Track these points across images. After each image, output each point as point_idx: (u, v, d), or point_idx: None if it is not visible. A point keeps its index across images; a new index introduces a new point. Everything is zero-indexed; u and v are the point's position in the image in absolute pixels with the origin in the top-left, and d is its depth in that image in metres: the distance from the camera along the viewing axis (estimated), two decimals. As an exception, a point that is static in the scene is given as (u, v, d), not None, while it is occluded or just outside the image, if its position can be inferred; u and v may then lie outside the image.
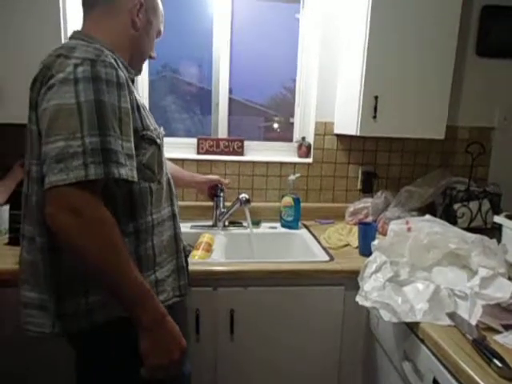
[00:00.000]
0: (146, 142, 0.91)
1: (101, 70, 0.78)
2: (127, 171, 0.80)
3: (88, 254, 0.74)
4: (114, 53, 0.87)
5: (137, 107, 0.88)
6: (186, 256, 1.08)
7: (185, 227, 1.68)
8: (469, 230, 1.19)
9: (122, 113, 0.80)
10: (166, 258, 0.98)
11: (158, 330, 0.80)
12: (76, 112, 0.75)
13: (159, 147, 0.96)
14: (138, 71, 1.05)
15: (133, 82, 0.96)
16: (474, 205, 1.65)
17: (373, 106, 1.53)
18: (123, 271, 0.76)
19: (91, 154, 0.74)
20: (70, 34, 0.93)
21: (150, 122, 0.95)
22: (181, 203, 1.80)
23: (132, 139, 0.84)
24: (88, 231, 0.73)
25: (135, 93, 0.91)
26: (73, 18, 1.42)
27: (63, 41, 1.39)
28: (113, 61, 0.82)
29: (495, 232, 1.37)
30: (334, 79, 1.82)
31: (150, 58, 1.07)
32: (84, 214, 0.73)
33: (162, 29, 1.06)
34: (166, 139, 1.84)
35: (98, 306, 0.84)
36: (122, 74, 0.83)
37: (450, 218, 1.61)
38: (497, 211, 1.60)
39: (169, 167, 1.16)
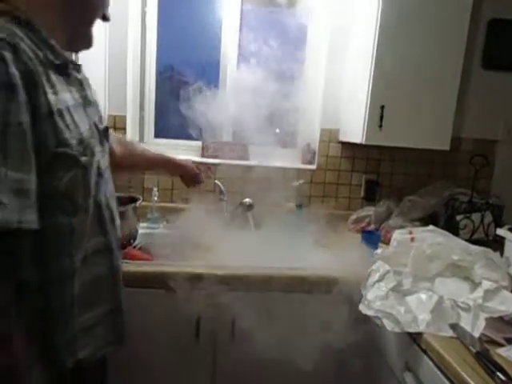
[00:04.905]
0: (63, 163, 0.65)
1: None
2: (8, 215, 0.55)
3: None
4: (27, 23, 0.63)
5: (49, 113, 0.63)
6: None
7: (188, 230, 1.70)
8: (470, 241, 1.19)
9: (8, 127, 0.56)
10: (91, 303, 0.75)
11: None
12: None
13: (85, 168, 0.69)
14: (85, 43, 0.75)
15: (66, 66, 0.70)
16: (476, 217, 1.65)
17: (379, 116, 1.53)
18: None
19: None
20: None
21: (78, 129, 0.69)
22: (183, 206, 1.83)
23: (28, 165, 0.59)
24: None
25: (59, 88, 0.66)
26: None
27: None
28: (6, 50, 0.57)
29: (497, 245, 1.37)
30: (340, 87, 1.83)
31: (104, 19, 0.76)
32: None
33: None
34: (169, 141, 1.90)
35: None
36: (14, 70, 0.57)
37: (452, 230, 1.60)
38: (499, 223, 1.61)
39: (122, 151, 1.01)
